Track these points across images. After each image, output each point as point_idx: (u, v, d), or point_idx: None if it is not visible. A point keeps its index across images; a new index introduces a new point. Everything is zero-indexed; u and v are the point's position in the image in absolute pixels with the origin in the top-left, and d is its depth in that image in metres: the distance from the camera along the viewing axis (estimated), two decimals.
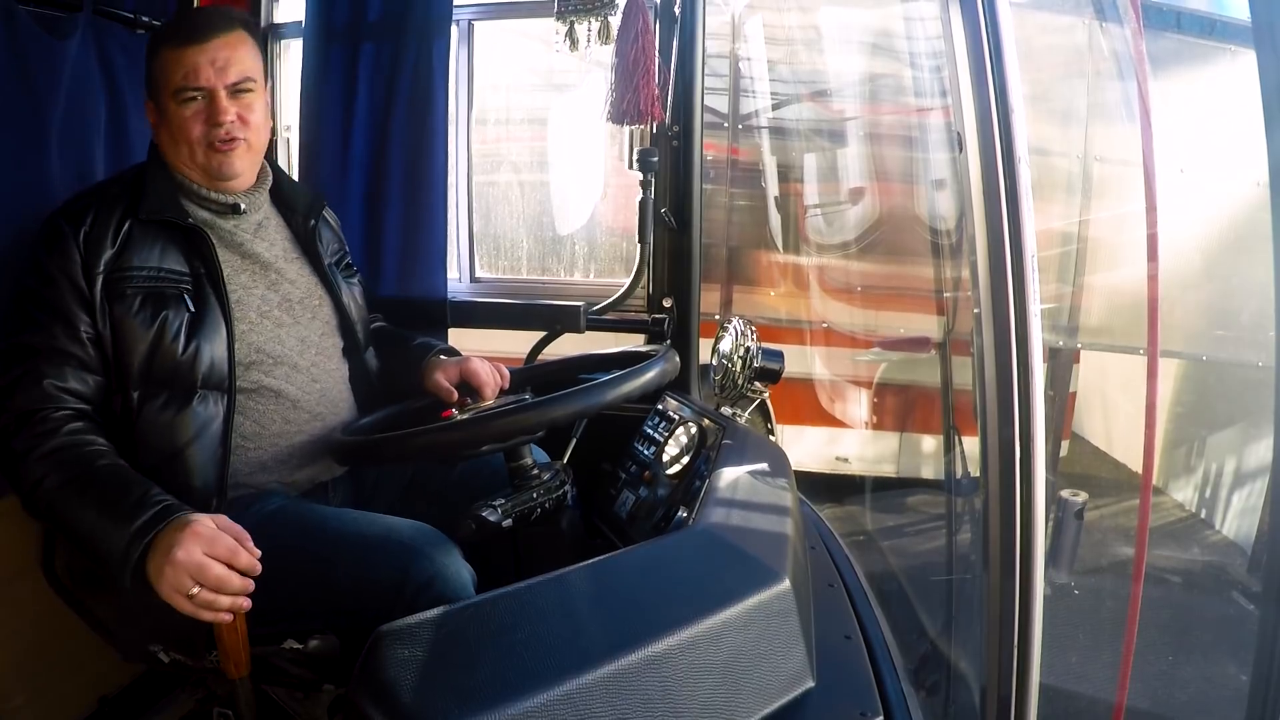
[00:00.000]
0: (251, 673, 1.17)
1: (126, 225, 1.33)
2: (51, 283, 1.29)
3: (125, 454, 1.28)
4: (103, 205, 1.34)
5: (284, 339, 1.42)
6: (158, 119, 1.41)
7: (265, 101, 1.44)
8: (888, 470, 3.90)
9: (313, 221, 1.54)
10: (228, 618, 1.11)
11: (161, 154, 1.42)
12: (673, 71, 1.85)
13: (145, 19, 1.80)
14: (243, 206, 1.43)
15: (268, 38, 2.24)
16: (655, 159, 1.89)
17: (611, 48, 1.79)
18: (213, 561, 1.09)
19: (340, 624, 1.27)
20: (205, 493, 1.31)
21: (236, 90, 1.37)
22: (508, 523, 1.27)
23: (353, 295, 1.56)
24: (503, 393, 1.56)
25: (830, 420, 3.90)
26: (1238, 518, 3.53)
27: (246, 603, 1.11)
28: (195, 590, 1.08)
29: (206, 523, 1.12)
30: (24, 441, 1.22)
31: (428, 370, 1.56)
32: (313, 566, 1.24)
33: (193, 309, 1.34)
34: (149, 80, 1.40)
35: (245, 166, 1.42)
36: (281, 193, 1.53)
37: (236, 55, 1.37)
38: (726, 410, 1.67)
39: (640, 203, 1.91)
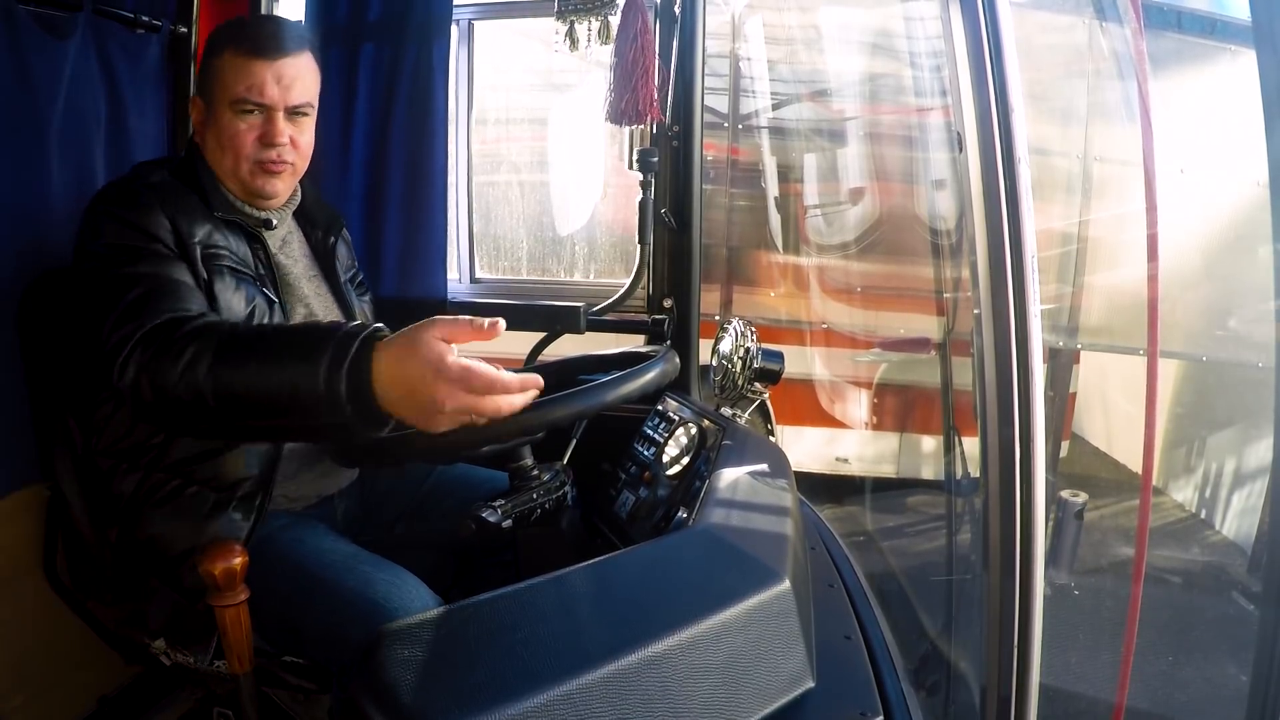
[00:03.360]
0: (254, 670, 1.17)
1: (203, 213, 1.31)
2: (145, 235, 1.21)
3: (172, 439, 1.26)
4: (177, 190, 1.30)
5: None
6: (204, 119, 1.37)
7: (314, 123, 1.42)
8: (888, 471, 3.90)
9: (332, 239, 1.54)
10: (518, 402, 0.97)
11: (201, 155, 1.38)
12: (672, 71, 1.85)
13: (145, 19, 1.80)
14: (274, 222, 1.43)
15: None
16: (655, 159, 1.89)
17: (611, 47, 1.79)
18: (472, 398, 0.93)
19: (313, 661, 1.28)
20: (253, 491, 1.31)
21: (294, 112, 1.35)
22: (508, 523, 1.27)
23: (365, 313, 1.57)
24: None
25: (830, 421, 3.90)
26: (1238, 518, 3.53)
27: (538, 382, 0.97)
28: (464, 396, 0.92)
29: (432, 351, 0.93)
30: (159, 337, 1.06)
31: None
32: (285, 609, 1.22)
33: (273, 298, 1.34)
34: (204, 77, 1.36)
35: (285, 189, 1.41)
36: (304, 208, 1.51)
37: (302, 76, 1.35)
38: (726, 411, 1.67)
39: (640, 203, 1.91)
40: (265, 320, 1.30)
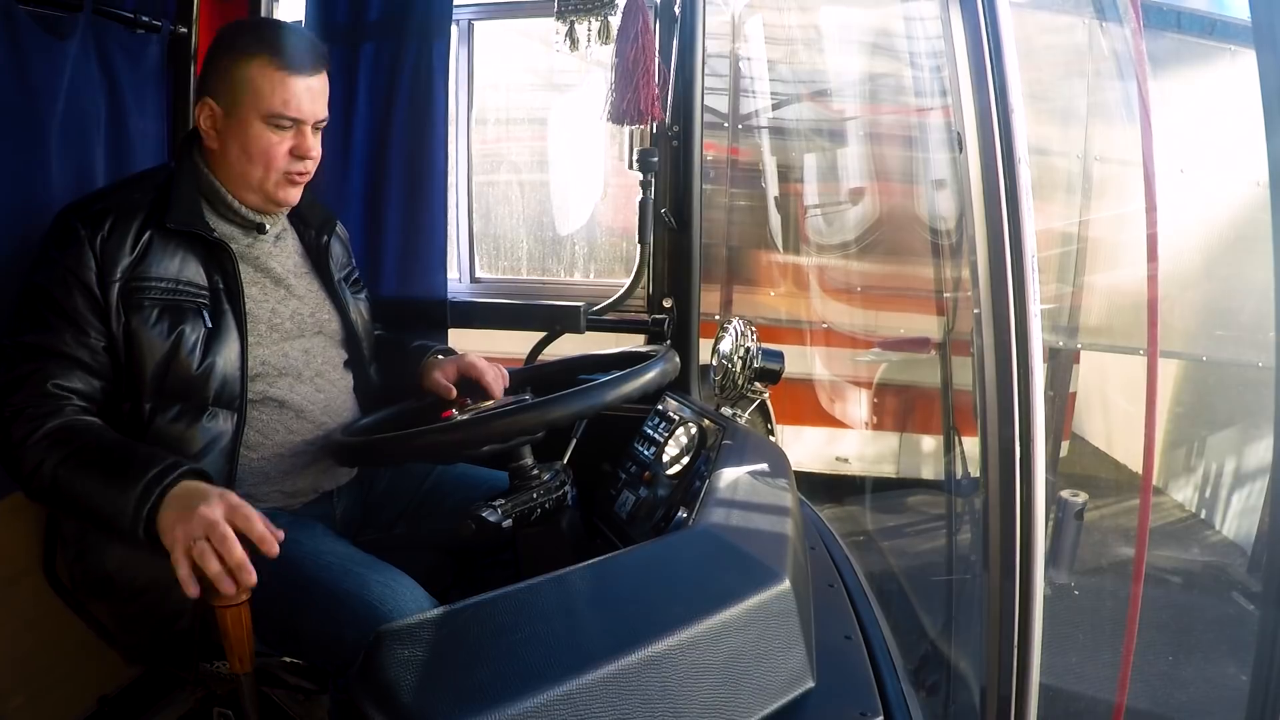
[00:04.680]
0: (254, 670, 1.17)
1: (147, 234, 1.31)
2: (64, 285, 1.26)
3: None
4: (123, 211, 1.31)
5: (289, 351, 1.42)
6: (223, 127, 1.35)
7: None
8: (888, 470, 3.90)
9: (325, 238, 1.54)
10: (228, 588, 1.05)
11: (201, 160, 1.38)
12: (673, 71, 1.85)
13: (145, 19, 1.80)
14: (267, 226, 1.43)
15: None
16: (655, 159, 1.89)
17: (611, 48, 1.79)
18: (228, 525, 1.05)
19: (310, 663, 1.28)
20: None
21: (317, 126, 1.39)
22: (508, 523, 1.27)
23: (360, 311, 1.56)
24: (502, 393, 1.56)
25: (830, 420, 3.90)
26: (1238, 518, 3.53)
27: (250, 579, 1.05)
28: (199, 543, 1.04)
29: (235, 497, 1.10)
30: (24, 427, 1.19)
31: (426, 370, 1.56)
32: (282, 611, 1.21)
33: (210, 324, 1.32)
34: (222, 83, 1.34)
35: (299, 196, 1.43)
36: (298, 208, 1.51)
37: (325, 91, 1.38)
38: (726, 410, 1.67)
39: (640, 203, 1.91)
40: (195, 344, 1.30)
